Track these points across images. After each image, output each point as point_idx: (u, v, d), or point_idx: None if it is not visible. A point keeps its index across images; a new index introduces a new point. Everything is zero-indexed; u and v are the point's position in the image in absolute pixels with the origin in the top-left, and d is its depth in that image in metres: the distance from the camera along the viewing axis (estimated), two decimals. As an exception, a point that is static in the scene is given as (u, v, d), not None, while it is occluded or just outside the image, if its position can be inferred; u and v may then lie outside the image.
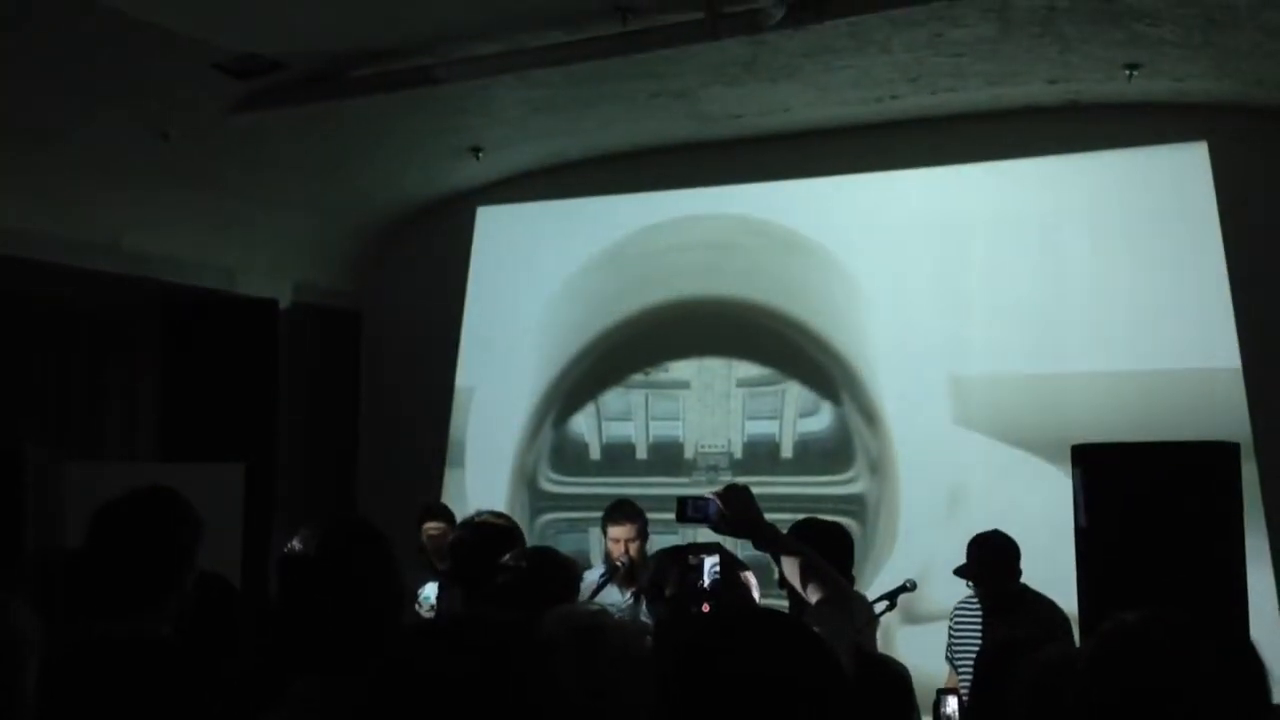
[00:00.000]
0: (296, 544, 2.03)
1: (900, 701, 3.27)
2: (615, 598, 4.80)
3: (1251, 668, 2.32)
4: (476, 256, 8.16)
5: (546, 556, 3.05)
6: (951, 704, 3.38)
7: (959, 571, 4.85)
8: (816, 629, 2.09)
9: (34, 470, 5.50)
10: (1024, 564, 4.92)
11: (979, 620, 4.85)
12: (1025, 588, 4.83)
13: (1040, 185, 6.65)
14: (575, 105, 6.71)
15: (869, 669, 2.82)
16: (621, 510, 5.37)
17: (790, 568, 2.71)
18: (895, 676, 3.34)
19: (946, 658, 5.02)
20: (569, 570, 3.02)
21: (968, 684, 4.30)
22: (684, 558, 2.74)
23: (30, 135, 6.09)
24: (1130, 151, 6.45)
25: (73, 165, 6.42)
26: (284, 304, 8.00)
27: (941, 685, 4.51)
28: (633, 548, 5.18)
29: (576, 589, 3.06)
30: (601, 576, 4.97)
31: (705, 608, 2.56)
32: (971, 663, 4.09)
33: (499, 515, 3.82)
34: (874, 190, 7.04)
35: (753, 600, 2.89)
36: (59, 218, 6.60)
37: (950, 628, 5.03)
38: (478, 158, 7.46)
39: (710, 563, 2.64)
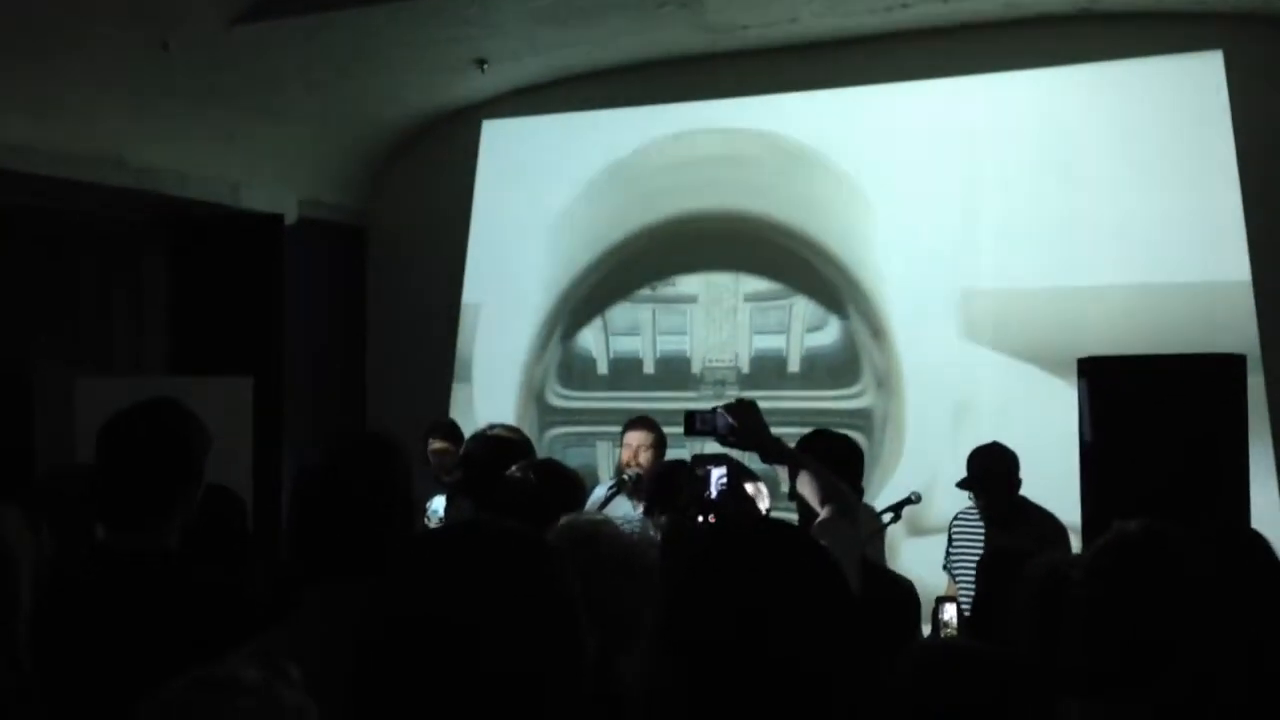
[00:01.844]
0: (312, 457, 2.04)
1: (905, 614, 3.32)
2: (626, 510, 4.82)
3: (1259, 570, 2.34)
4: (482, 171, 8.10)
5: (552, 468, 3.07)
6: (950, 611, 3.43)
7: (961, 484, 4.91)
8: (823, 541, 2.11)
9: (43, 386, 5.54)
10: (1030, 477, 4.96)
11: (978, 531, 4.91)
12: (1024, 499, 4.89)
13: (1052, 96, 6.56)
14: (580, 16, 6.61)
15: (875, 581, 2.85)
16: (642, 420, 5.41)
17: (800, 481, 2.73)
18: (901, 590, 3.38)
19: (944, 567, 5.08)
20: (574, 481, 3.04)
21: (965, 593, 4.36)
22: (691, 470, 2.76)
23: (29, 47, 6.02)
24: (1144, 61, 6.35)
25: (73, 77, 6.36)
26: (289, 219, 7.97)
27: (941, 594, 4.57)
28: (644, 455, 5.20)
29: (582, 500, 3.09)
30: (609, 489, 5.00)
31: (711, 518, 2.59)
32: (970, 572, 4.14)
33: (510, 429, 3.86)
34: (882, 102, 6.95)
35: (759, 511, 2.91)
36: (60, 131, 6.55)
37: (949, 538, 5.09)
38: (482, 70, 7.37)
39: (717, 474, 2.66)
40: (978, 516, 4.95)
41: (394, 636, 1.21)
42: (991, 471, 4.86)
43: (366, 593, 1.28)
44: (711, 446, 2.89)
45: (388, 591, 1.25)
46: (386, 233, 8.48)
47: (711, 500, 2.64)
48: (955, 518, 5.10)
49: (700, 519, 2.60)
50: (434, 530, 1.41)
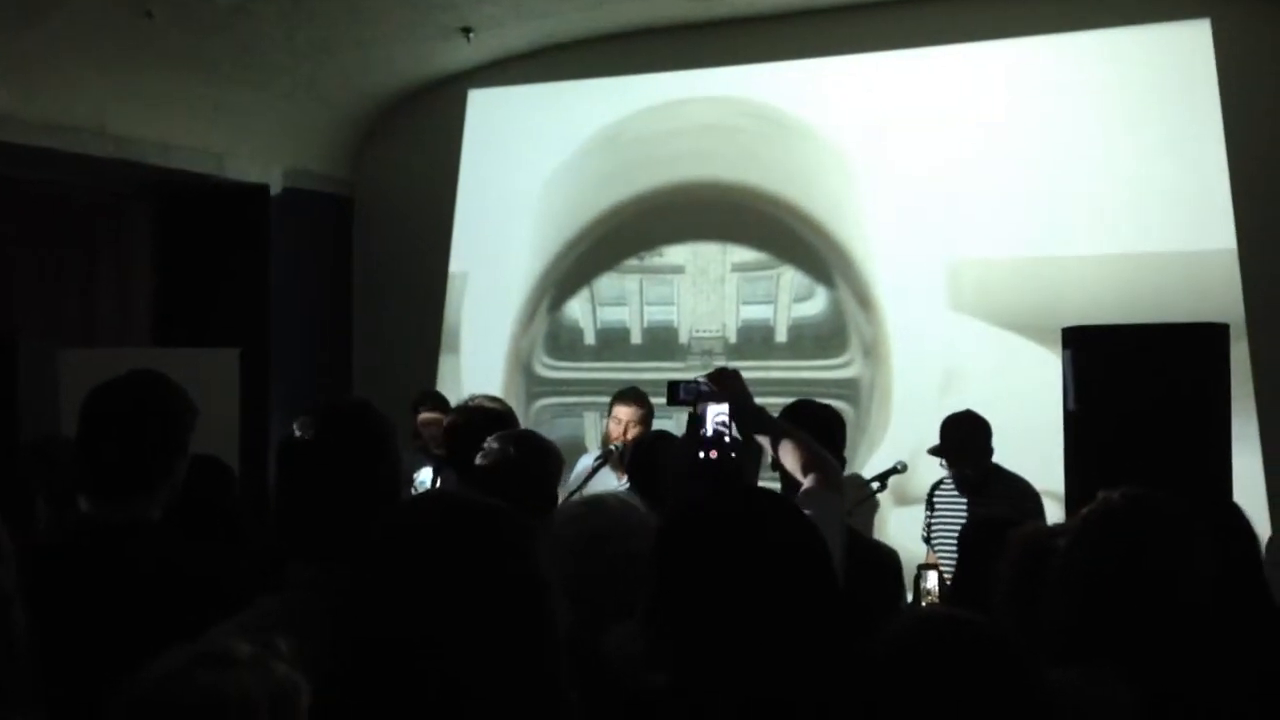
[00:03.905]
0: (296, 429, 2.04)
1: (888, 582, 3.34)
2: (611, 483, 4.84)
3: (1239, 542, 2.36)
4: (468, 141, 8.07)
5: (530, 440, 3.07)
6: (932, 578, 3.45)
7: (934, 451, 4.93)
8: (807, 511, 2.12)
9: (27, 358, 5.51)
10: (1015, 446, 4.98)
11: (959, 500, 4.93)
12: (997, 466, 4.92)
13: (1037, 65, 6.55)
14: (566, -17, 6.58)
15: (859, 550, 2.86)
16: (632, 393, 5.42)
17: (783, 450, 2.73)
18: (884, 558, 3.40)
19: (924, 538, 5.09)
20: (552, 454, 3.04)
21: (946, 562, 4.39)
22: (692, 411, 2.72)
23: (10, 15, 5.96)
24: (1131, 29, 6.34)
25: (55, 46, 6.30)
26: (275, 189, 7.93)
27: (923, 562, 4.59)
28: (633, 432, 5.21)
29: (559, 472, 3.08)
30: (596, 460, 5.01)
31: (713, 454, 2.55)
32: (951, 541, 4.16)
33: (493, 399, 3.85)
34: (870, 71, 6.93)
35: (751, 462, 2.85)
36: (42, 100, 6.50)
37: (928, 508, 5.10)
38: (468, 38, 7.33)
39: (714, 411, 2.63)
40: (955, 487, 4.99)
41: (364, 616, 1.21)
42: (964, 439, 4.88)
43: (345, 570, 1.28)
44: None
45: (358, 571, 1.25)
46: (373, 203, 8.45)
47: (708, 438, 2.60)
48: (935, 487, 5.12)
49: (701, 456, 2.57)
50: (402, 507, 1.41)
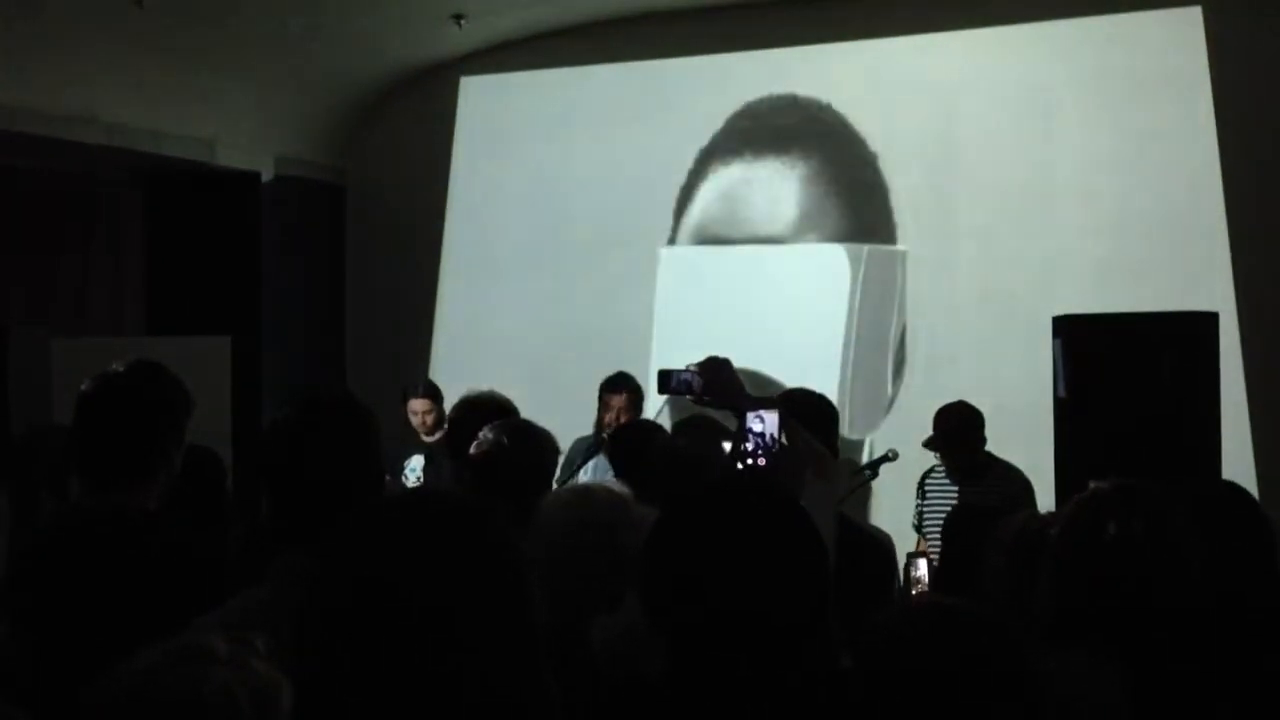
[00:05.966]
0: (278, 419, 2.04)
1: (881, 569, 3.35)
2: (604, 468, 4.84)
3: (1244, 529, 2.37)
4: (461, 128, 8.05)
5: (525, 429, 3.07)
6: (922, 566, 3.46)
7: (927, 443, 4.96)
8: (799, 499, 2.13)
9: (19, 346, 5.49)
10: (1006, 434, 4.99)
11: (950, 488, 4.95)
12: (990, 455, 4.94)
13: (1030, 52, 6.55)
14: (557, -30, 6.56)
15: (850, 536, 2.88)
16: (622, 380, 5.46)
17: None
18: (875, 546, 3.41)
19: (914, 525, 5.11)
20: (547, 442, 3.04)
21: (937, 550, 4.41)
22: (740, 418, 2.69)
23: (-1, 4, 5.95)
24: (1122, 16, 6.34)
25: (45, 33, 6.27)
26: (266, 177, 7.91)
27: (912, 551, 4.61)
28: (625, 418, 5.27)
29: (554, 461, 3.09)
30: (590, 447, 5.03)
31: (761, 461, 2.52)
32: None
33: (493, 392, 3.86)
34: (861, 59, 6.93)
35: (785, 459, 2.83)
36: (32, 88, 6.47)
37: (922, 494, 5.13)
38: (460, 25, 7.31)
39: (751, 417, 2.59)
40: (946, 474, 5.01)
41: (334, 599, 1.21)
42: (957, 429, 4.91)
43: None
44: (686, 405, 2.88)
45: (330, 556, 1.25)
46: (365, 190, 8.43)
47: (747, 447, 2.57)
48: (926, 474, 5.14)
49: (740, 465, 2.54)
50: (377, 502, 1.40)
